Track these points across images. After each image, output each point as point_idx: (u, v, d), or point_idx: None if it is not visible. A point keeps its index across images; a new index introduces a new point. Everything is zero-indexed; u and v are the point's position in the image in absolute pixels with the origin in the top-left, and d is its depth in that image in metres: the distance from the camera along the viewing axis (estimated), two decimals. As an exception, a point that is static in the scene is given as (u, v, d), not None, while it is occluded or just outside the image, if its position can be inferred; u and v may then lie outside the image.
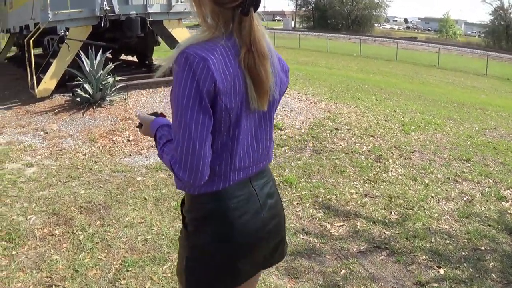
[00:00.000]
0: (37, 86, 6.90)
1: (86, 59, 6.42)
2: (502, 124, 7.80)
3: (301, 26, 71.80)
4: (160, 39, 8.80)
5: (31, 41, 7.33)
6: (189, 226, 1.36)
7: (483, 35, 63.39)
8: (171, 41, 8.54)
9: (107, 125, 5.74)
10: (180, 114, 1.18)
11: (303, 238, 3.27)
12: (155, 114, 1.47)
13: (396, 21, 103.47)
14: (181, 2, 8.05)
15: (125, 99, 6.61)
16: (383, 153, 5.38)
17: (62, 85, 7.18)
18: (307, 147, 5.48)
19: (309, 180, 4.45)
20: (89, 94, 6.25)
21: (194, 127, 1.18)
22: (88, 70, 6.34)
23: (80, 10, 7.04)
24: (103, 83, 6.35)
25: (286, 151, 5.31)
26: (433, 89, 14.03)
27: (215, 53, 1.20)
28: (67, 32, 6.88)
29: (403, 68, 22.64)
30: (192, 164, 1.19)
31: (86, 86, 6.21)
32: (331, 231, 3.40)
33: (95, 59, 6.34)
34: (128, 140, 5.26)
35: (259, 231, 1.36)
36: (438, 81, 17.66)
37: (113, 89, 6.45)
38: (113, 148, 5.07)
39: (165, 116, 1.46)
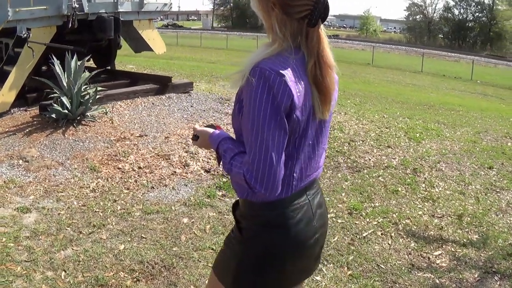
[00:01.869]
0: (-8, 100, 5.58)
1: (60, 66, 5.26)
2: (486, 126, 7.93)
3: (219, 25, 71.33)
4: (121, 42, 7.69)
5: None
6: (245, 232, 1.37)
7: (399, 30, 67.11)
8: (138, 44, 7.51)
9: (101, 147, 4.68)
10: (256, 129, 1.19)
11: (420, 276, 3.01)
12: (211, 126, 1.47)
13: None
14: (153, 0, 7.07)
15: (106, 113, 5.54)
16: (414, 165, 5.14)
17: (20, 98, 5.90)
18: (340, 164, 4.97)
19: (373, 204, 4.07)
20: (67, 109, 5.11)
21: (271, 142, 1.19)
22: (65, 80, 5.18)
23: (45, 7, 5.80)
24: (82, 95, 5.24)
25: (325, 170, 4.72)
26: (382, 89, 14.18)
27: (288, 68, 1.21)
28: (30, 34, 5.62)
29: (338, 66, 22.92)
30: (269, 178, 1.20)
31: (64, 99, 5.06)
32: (437, 262, 3.23)
33: (71, 66, 5.20)
34: (140, 168, 4.28)
35: (309, 240, 1.38)
36: (378, 80, 17.99)
37: (92, 101, 5.36)
38: (125, 180, 4.07)
39: (221, 128, 1.46)
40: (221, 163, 1.34)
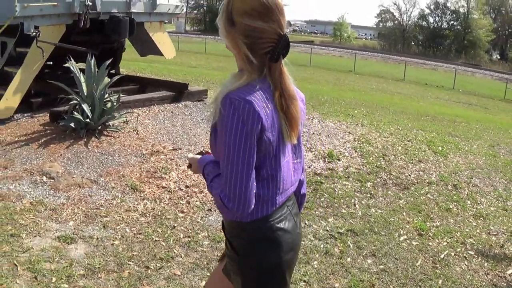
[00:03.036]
0: (-5, 105, 4.99)
1: (78, 69, 4.74)
2: (495, 138, 7.99)
3: (192, 29, 70.51)
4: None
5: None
6: (239, 250, 1.44)
7: (369, 37, 67.17)
8: (146, 48, 7.00)
9: (135, 162, 4.21)
10: (227, 154, 1.32)
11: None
12: (200, 153, 1.62)
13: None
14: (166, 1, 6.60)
15: (126, 122, 5.05)
16: (452, 181, 5.17)
17: (23, 102, 5.32)
18: (386, 181, 4.77)
19: (434, 224, 4.00)
20: (88, 118, 4.60)
21: (241, 165, 1.31)
22: (84, 85, 4.68)
23: (55, 3, 5.26)
24: (104, 102, 4.74)
25: (375, 187, 4.51)
26: (371, 97, 14.01)
27: (256, 94, 1.34)
28: (40, 32, 5.06)
29: (321, 74, 22.69)
30: (241, 198, 1.33)
31: (85, 107, 4.55)
32: (515, 280, 3.13)
33: (92, 69, 4.71)
34: (187, 186, 3.85)
35: (297, 247, 1.51)
36: (364, 88, 17.89)
37: (115, 110, 4.86)
38: (175, 201, 3.63)
39: (209, 153, 1.58)
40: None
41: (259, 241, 1.42)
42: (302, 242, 3.16)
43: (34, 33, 5.02)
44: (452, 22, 54.98)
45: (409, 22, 57.60)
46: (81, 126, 4.64)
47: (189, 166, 1.63)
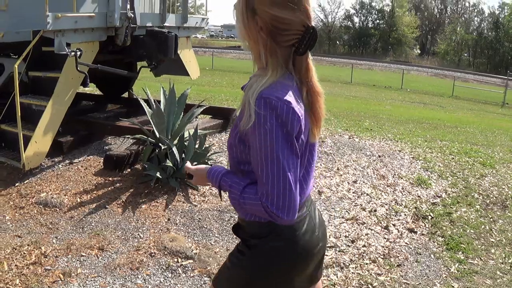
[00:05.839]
0: (24, 151, 3.73)
1: (149, 102, 3.71)
2: (504, 142, 8.15)
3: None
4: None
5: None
6: (255, 249, 1.38)
7: None
8: (164, 66, 5.91)
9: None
10: (271, 159, 1.21)
11: None
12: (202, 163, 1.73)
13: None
14: (196, 13, 5.64)
15: (207, 163, 4.09)
16: None
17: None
18: (484, 201, 4.51)
19: None
20: (176, 164, 3.60)
21: (288, 170, 1.22)
22: (166, 121, 3.66)
23: (91, 14, 4.12)
24: (185, 142, 3.76)
25: (485, 210, 4.26)
26: (338, 104, 13.78)
27: (290, 93, 1.24)
28: (78, 52, 3.88)
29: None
30: (290, 203, 1.23)
31: (175, 150, 3.54)
32: None
33: (176, 102, 3.71)
34: (347, 236, 3.09)
35: (314, 249, 1.42)
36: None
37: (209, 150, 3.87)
38: (364, 258, 2.87)
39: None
40: (223, 197, 1.35)
41: (278, 240, 1.35)
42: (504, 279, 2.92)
43: (73, 53, 3.84)
44: (377, 21, 56.28)
45: (334, 23, 58.51)
46: (167, 176, 3.61)
47: (189, 178, 1.51)
